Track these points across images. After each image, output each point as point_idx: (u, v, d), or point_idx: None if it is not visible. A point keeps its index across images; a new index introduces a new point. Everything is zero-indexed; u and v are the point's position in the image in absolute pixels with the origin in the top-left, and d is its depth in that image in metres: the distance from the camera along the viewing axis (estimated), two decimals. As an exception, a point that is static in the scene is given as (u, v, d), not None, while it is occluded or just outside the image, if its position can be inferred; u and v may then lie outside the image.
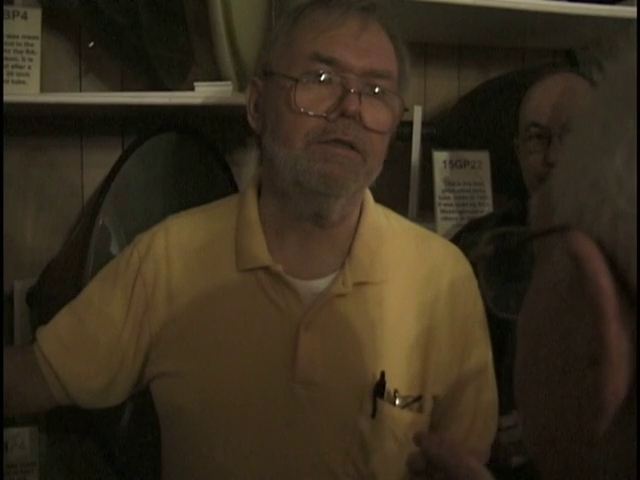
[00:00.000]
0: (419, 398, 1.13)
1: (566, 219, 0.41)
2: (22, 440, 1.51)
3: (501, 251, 0.49)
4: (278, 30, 1.14)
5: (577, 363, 0.40)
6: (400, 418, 1.12)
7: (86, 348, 1.17)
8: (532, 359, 0.44)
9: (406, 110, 1.14)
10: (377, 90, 1.09)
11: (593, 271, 0.38)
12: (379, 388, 1.10)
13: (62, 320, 1.20)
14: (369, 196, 1.20)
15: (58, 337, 1.18)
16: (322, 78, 1.07)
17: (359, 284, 1.13)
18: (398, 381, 1.12)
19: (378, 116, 1.09)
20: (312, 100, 1.07)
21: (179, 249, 1.18)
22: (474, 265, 1.22)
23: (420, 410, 1.14)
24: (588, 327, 0.39)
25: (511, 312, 0.48)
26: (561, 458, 0.42)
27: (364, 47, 1.08)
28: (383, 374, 1.10)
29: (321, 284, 1.14)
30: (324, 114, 1.06)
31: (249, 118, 1.17)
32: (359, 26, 1.09)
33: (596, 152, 0.40)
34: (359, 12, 1.09)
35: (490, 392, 1.21)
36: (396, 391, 1.11)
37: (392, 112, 1.11)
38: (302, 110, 1.06)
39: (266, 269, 1.13)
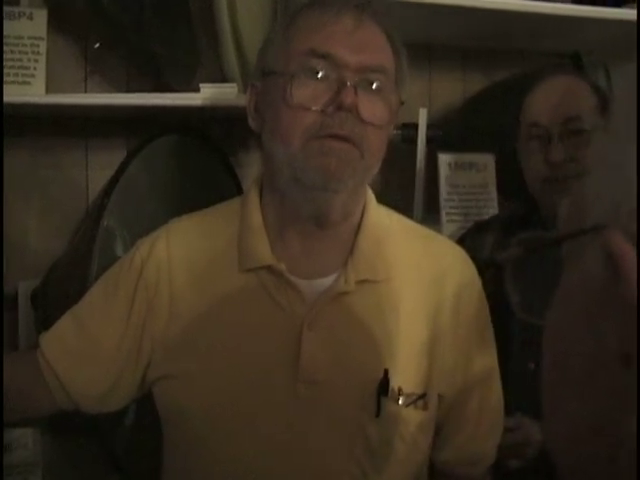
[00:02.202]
0: (423, 396, 1.13)
1: (602, 219, 0.41)
2: (25, 441, 1.51)
3: (529, 254, 0.48)
4: (274, 32, 1.16)
5: (609, 363, 0.39)
6: (404, 416, 1.12)
7: (89, 352, 1.17)
8: (561, 361, 0.44)
9: (402, 104, 1.14)
10: (374, 85, 1.09)
11: (629, 269, 0.38)
12: (383, 386, 1.10)
13: (64, 325, 1.20)
14: (371, 196, 1.21)
15: (61, 342, 1.18)
16: (319, 75, 1.08)
17: (362, 282, 1.13)
18: (402, 379, 1.11)
19: (374, 110, 1.09)
20: (309, 95, 1.08)
21: (181, 252, 1.18)
22: (483, 269, 1.22)
23: (424, 408, 1.13)
24: (621, 326, 0.38)
25: (537, 317, 0.48)
26: (588, 459, 0.42)
27: (359, 43, 1.09)
28: (387, 372, 1.10)
29: (324, 283, 1.14)
30: (321, 108, 1.07)
31: (250, 120, 1.18)
32: (353, 23, 1.10)
33: (630, 152, 0.40)
34: (353, 10, 1.11)
35: (495, 395, 1.21)
36: (400, 389, 1.11)
37: (389, 106, 1.11)
38: (298, 103, 1.07)
39: (269, 268, 1.13)
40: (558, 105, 1.44)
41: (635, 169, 0.39)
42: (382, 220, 1.20)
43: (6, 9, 1.49)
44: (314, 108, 1.07)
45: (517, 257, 0.49)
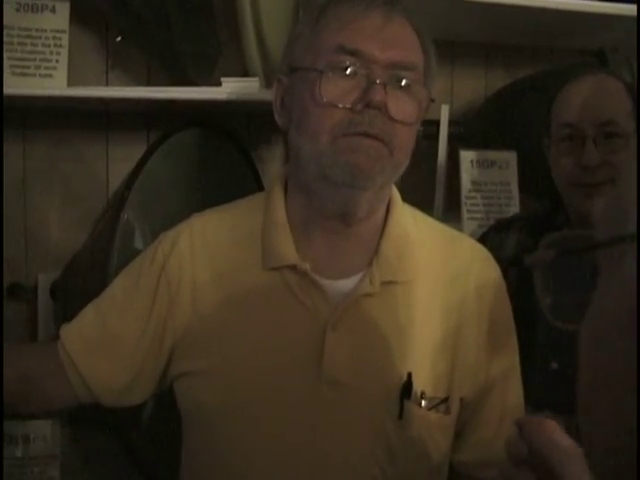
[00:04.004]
0: (446, 400, 1.12)
1: None
2: (44, 432, 1.52)
3: (562, 257, 0.46)
4: (302, 26, 1.15)
5: None
6: (427, 419, 1.11)
7: (109, 346, 1.17)
8: (601, 371, 0.42)
9: (432, 101, 1.14)
10: (403, 82, 1.09)
11: None
12: (406, 389, 1.09)
13: (86, 318, 1.20)
14: (397, 194, 1.20)
15: (82, 335, 1.18)
16: (347, 71, 1.07)
17: (387, 283, 1.12)
18: (425, 382, 1.11)
19: (404, 107, 1.08)
20: (337, 92, 1.07)
21: (204, 248, 1.17)
22: (506, 267, 1.21)
23: (447, 412, 1.13)
24: None
25: (569, 322, 0.46)
26: (628, 473, 0.40)
27: (388, 39, 1.08)
28: (410, 375, 1.09)
29: (348, 283, 1.13)
30: (349, 106, 1.06)
31: (276, 116, 1.17)
32: (383, 19, 1.09)
33: None
34: (382, 6, 1.10)
35: (516, 395, 1.20)
36: (423, 392, 1.10)
37: (418, 104, 1.10)
38: (327, 101, 1.06)
39: (293, 268, 1.12)
40: (593, 106, 1.40)
41: None
42: (406, 220, 1.19)
43: (29, 1, 1.49)
44: (343, 105, 1.06)
45: (549, 260, 0.47)
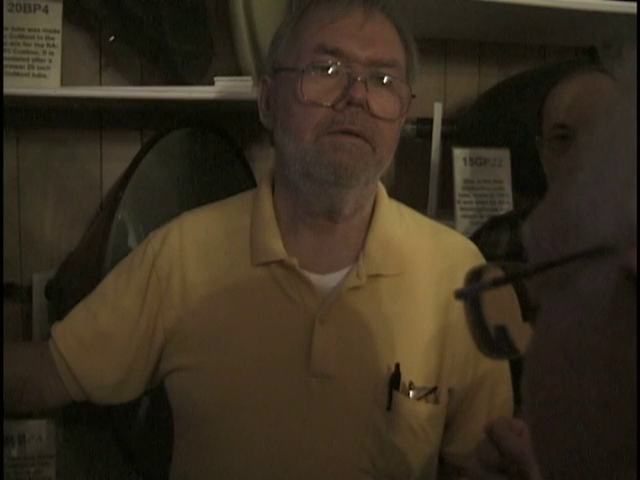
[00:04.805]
0: (434, 390, 1.13)
1: (608, 238, 0.37)
2: (39, 432, 1.52)
3: (497, 287, 0.44)
4: (284, 27, 1.16)
5: (625, 395, 0.35)
6: (415, 410, 1.12)
7: (101, 344, 1.18)
8: (561, 396, 0.39)
9: (414, 97, 1.14)
10: (384, 79, 1.09)
11: None
12: (394, 380, 1.10)
13: (77, 316, 1.21)
14: (382, 190, 1.20)
15: (73, 333, 1.19)
16: (329, 71, 1.08)
17: (373, 277, 1.13)
18: (413, 373, 1.12)
19: (385, 104, 1.09)
20: (319, 91, 1.08)
21: (193, 245, 1.18)
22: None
23: (436, 402, 1.14)
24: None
25: (500, 353, 0.46)
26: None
27: (368, 37, 1.09)
28: (398, 366, 1.10)
29: (335, 278, 1.14)
30: (331, 104, 1.07)
31: (261, 116, 1.18)
32: (363, 17, 1.10)
33: None
34: (362, 4, 1.11)
35: (505, 390, 1.21)
36: (411, 383, 1.11)
37: (400, 100, 1.11)
38: (309, 100, 1.07)
39: (281, 263, 1.13)
40: (586, 106, 1.35)
41: None
42: (393, 214, 1.20)
43: (22, 1, 1.49)
44: (325, 104, 1.07)
45: (477, 291, 0.46)
